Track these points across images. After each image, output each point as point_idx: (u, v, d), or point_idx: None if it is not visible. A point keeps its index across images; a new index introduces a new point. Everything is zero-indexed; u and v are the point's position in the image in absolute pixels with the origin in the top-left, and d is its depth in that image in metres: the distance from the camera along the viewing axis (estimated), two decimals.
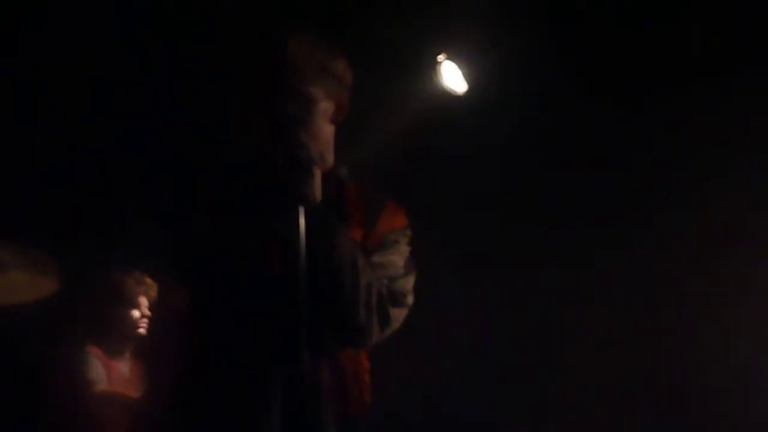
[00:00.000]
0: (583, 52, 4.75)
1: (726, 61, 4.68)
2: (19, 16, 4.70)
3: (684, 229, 5.00)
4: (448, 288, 4.66)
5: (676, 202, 5.02)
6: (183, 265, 2.38)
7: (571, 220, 5.14)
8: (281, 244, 2.24)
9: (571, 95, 4.84)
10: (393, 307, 2.40)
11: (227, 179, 2.40)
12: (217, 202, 2.35)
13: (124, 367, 4.21)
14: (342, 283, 2.27)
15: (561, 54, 4.75)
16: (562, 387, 5.10)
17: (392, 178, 4.33)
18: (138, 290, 4.25)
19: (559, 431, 5.15)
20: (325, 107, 2.44)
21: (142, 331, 4.23)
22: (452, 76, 5.04)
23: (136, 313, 4.23)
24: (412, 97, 4.99)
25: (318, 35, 2.46)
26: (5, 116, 4.77)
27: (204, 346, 2.33)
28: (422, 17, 4.66)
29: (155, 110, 4.90)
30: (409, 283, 2.48)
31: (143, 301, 4.26)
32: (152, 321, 4.24)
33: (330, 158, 2.46)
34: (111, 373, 4.11)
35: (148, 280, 4.28)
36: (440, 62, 5.00)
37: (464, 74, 5.03)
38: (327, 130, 2.46)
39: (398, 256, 2.48)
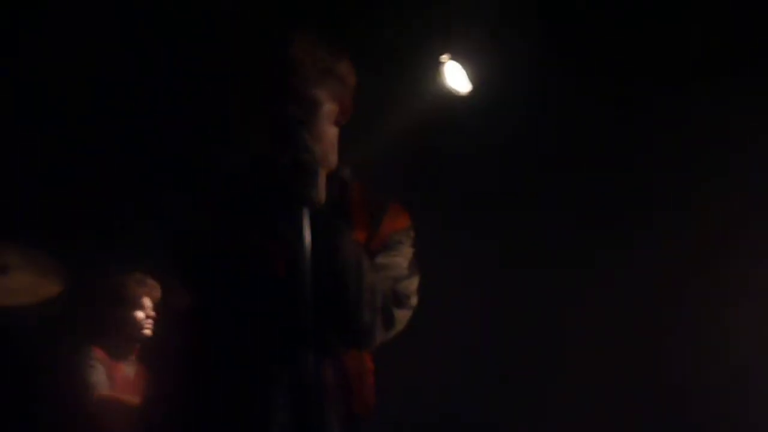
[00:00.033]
0: (585, 53, 4.76)
1: (726, 61, 4.68)
2: (19, 16, 4.69)
3: (684, 229, 5.01)
4: (451, 289, 4.67)
5: (676, 202, 5.03)
6: (187, 267, 2.37)
7: (573, 220, 5.15)
8: (285, 246, 2.23)
9: (574, 95, 4.84)
10: (397, 308, 2.40)
11: (231, 181, 2.41)
12: (221, 203, 2.35)
13: (128, 369, 4.21)
14: (346, 285, 2.26)
15: (563, 54, 4.75)
16: (563, 387, 5.11)
17: (396, 178, 4.34)
18: (140, 291, 4.24)
19: (560, 431, 5.15)
20: (328, 109, 2.44)
21: (146, 332, 4.22)
22: (455, 77, 5.04)
23: (139, 314, 4.23)
24: (416, 97, 5.00)
25: (321, 37, 2.45)
26: (5, 116, 4.77)
27: (207, 347, 2.33)
28: (425, 18, 4.67)
29: (157, 111, 4.90)
30: (412, 284, 2.48)
31: (147, 302, 4.25)
32: (157, 322, 4.24)
33: (333, 160, 2.46)
34: (115, 376, 4.10)
35: (151, 281, 4.28)
36: (443, 62, 5.01)
37: (468, 74, 5.03)
38: (330, 132, 2.46)
39: (402, 258, 2.48)
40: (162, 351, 3.64)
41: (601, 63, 4.76)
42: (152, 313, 4.25)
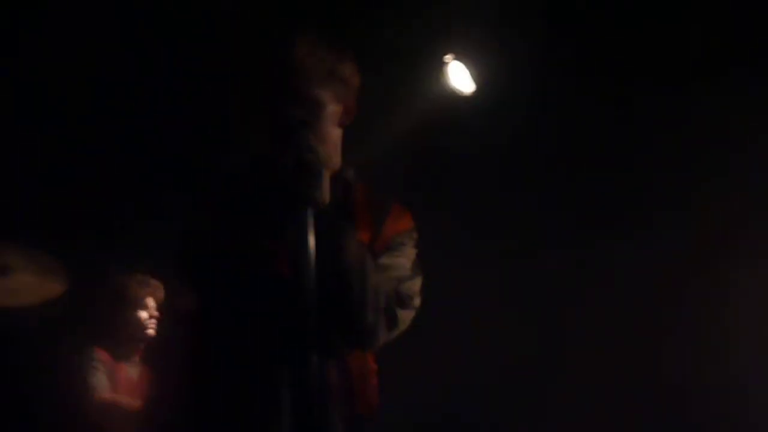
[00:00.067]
0: (588, 53, 4.76)
1: (726, 61, 4.69)
2: (19, 16, 4.69)
3: (684, 229, 5.01)
4: (454, 289, 4.67)
5: (676, 202, 5.03)
6: (190, 268, 2.38)
7: (574, 220, 5.15)
8: (289, 247, 2.23)
9: (576, 95, 4.84)
10: (400, 308, 2.41)
11: (234, 181, 2.41)
12: (225, 204, 2.35)
13: (131, 370, 4.20)
14: (350, 285, 2.27)
15: (567, 54, 4.75)
16: (564, 387, 5.11)
17: (399, 178, 4.34)
18: (143, 292, 4.24)
19: (561, 431, 5.16)
20: (332, 110, 2.44)
21: (149, 332, 4.22)
22: (459, 77, 5.03)
23: (142, 314, 4.22)
24: (419, 97, 4.99)
25: (325, 38, 2.45)
26: (5, 116, 4.77)
27: (211, 348, 2.33)
28: (429, 18, 4.66)
29: (158, 111, 4.90)
30: (415, 285, 2.48)
31: (150, 303, 4.25)
32: (160, 322, 4.24)
33: (337, 161, 2.46)
34: (117, 377, 4.10)
35: (154, 282, 4.28)
36: (447, 63, 5.00)
37: (471, 74, 5.02)
38: (334, 133, 2.47)
39: (405, 259, 2.48)
40: (165, 352, 3.64)
41: (604, 63, 4.77)
42: (155, 314, 4.25)
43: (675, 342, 5.06)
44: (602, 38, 4.72)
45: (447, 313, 4.46)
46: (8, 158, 4.83)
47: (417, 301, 2.48)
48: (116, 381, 4.08)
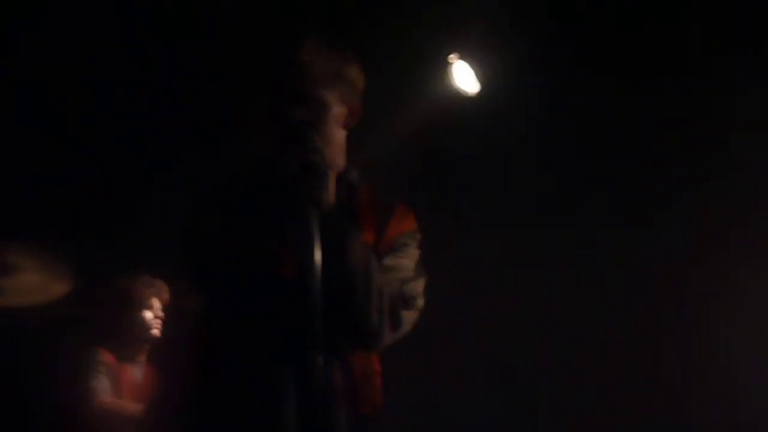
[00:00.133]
0: (593, 52, 4.76)
1: (726, 62, 4.69)
2: (19, 16, 4.69)
3: (684, 228, 5.02)
4: (457, 290, 4.67)
5: (676, 202, 5.03)
6: (196, 269, 2.39)
7: (576, 220, 5.15)
8: (294, 248, 2.24)
9: (580, 96, 4.84)
10: (404, 309, 2.42)
11: (240, 182, 2.41)
12: (230, 205, 2.35)
13: (136, 371, 4.20)
14: (355, 287, 2.28)
15: (572, 54, 4.75)
16: (564, 387, 5.11)
17: (403, 179, 4.34)
18: (148, 293, 4.24)
19: (563, 431, 5.16)
20: (337, 112, 2.45)
21: (154, 332, 4.22)
22: (464, 77, 5.00)
23: (147, 315, 4.22)
24: (423, 97, 4.97)
25: (331, 40, 2.46)
26: (8, 116, 4.77)
27: (216, 349, 2.34)
28: (433, 18, 4.65)
29: (163, 111, 4.90)
30: (419, 285, 2.49)
31: (155, 303, 4.25)
32: (165, 323, 4.24)
33: (341, 162, 2.47)
34: (120, 379, 4.09)
35: (159, 283, 4.27)
36: (451, 63, 4.98)
37: (476, 74, 5.00)
38: (339, 135, 2.47)
39: (408, 260, 2.49)
40: (170, 352, 3.65)
41: (607, 63, 4.77)
42: (160, 314, 4.25)
43: (675, 342, 5.05)
44: (606, 38, 4.72)
45: (450, 314, 4.45)
46: (12, 158, 4.84)
47: (420, 302, 2.49)
48: (120, 383, 4.08)
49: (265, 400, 2.27)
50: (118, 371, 4.11)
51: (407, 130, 4.92)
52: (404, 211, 2.55)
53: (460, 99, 5.03)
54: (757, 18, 4.61)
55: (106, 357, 4.09)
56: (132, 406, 4.00)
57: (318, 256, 2.19)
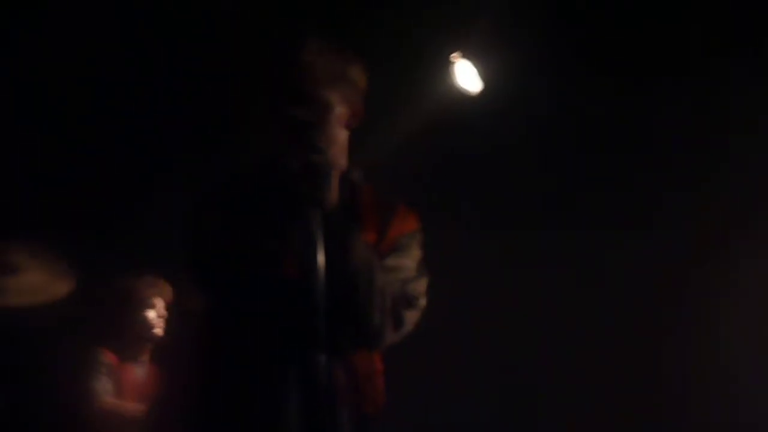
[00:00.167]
0: (596, 51, 4.76)
1: (726, 62, 4.70)
2: (19, 16, 4.70)
3: (684, 228, 5.02)
4: (459, 289, 4.67)
5: (676, 202, 5.04)
6: (199, 269, 2.39)
7: (577, 220, 5.15)
8: (297, 248, 2.24)
9: (583, 95, 4.85)
10: (406, 309, 2.42)
11: (243, 182, 2.41)
12: (234, 206, 2.35)
13: (138, 370, 4.19)
14: (357, 287, 2.28)
15: (575, 52, 4.75)
16: (565, 387, 5.12)
17: (405, 179, 4.34)
18: (151, 292, 4.23)
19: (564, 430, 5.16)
20: (340, 112, 2.45)
21: (157, 331, 4.21)
22: (466, 76, 4.97)
23: (150, 314, 4.22)
24: (425, 96, 4.96)
25: (333, 40, 2.46)
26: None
27: (219, 348, 2.35)
28: (435, 16, 4.64)
29: (168, 113, 4.90)
30: (421, 285, 2.50)
31: (158, 303, 4.25)
32: (168, 323, 4.24)
33: (344, 162, 2.47)
34: (123, 379, 4.09)
35: (162, 282, 4.27)
36: (454, 61, 4.95)
37: (479, 73, 4.96)
38: (341, 135, 2.48)
39: (410, 260, 2.49)
40: (174, 352, 3.65)
41: (610, 62, 4.77)
42: (163, 313, 4.24)
43: (675, 342, 5.06)
44: (609, 37, 4.73)
45: (452, 314, 4.46)
46: (12, 158, 4.84)
47: (422, 302, 2.49)
48: (122, 383, 4.08)
49: (268, 399, 2.27)
50: (120, 371, 4.10)
51: (409, 129, 4.91)
52: (406, 211, 2.56)
53: (463, 98, 5.01)
54: (757, 18, 4.61)
55: (108, 357, 4.09)
56: (133, 406, 4.00)
57: (320, 256, 2.20)
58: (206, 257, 2.34)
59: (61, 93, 4.85)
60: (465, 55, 4.95)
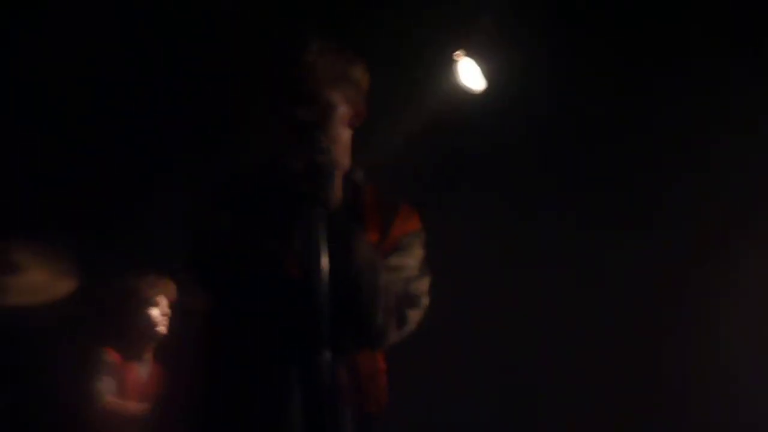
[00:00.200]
0: (599, 50, 4.76)
1: (726, 61, 4.70)
2: (19, 16, 4.69)
3: (684, 228, 5.02)
4: (462, 288, 4.67)
5: (676, 202, 5.04)
6: (202, 268, 2.39)
7: (578, 220, 5.16)
8: (300, 248, 2.24)
9: (586, 94, 4.85)
10: (409, 308, 2.43)
11: (247, 182, 2.41)
12: (237, 205, 2.35)
13: (141, 370, 4.19)
14: (361, 286, 2.28)
15: (578, 51, 4.75)
16: (566, 387, 5.12)
17: (408, 178, 4.34)
18: (154, 291, 4.23)
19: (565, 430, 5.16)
20: (343, 112, 2.46)
21: (160, 329, 4.21)
22: (469, 74, 4.94)
23: (154, 312, 4.21)
24: (429, 95, 4.94)
25: (335, 40, 2.47)
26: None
27: (222, 348, 2.35)
28: (439, 14, 4.64)
29: (168, 113, 4.90)
30: (424, 285, 2.50)
31: (162, 301, 4.24)
32: (171, 322, 4.23)
33: (346, 162, 2.48)
34: (126, 378, 4.09)
35: (165, 282, 4.27)
36: (457, 60, 4.92)
37: (482, 71, 4.93)
38: (344, 135, 2.48)
39: (413, 259, 2.50)
40: (177, 351, 3.65)
41: (613, 62, 4.77)
42: (167, 311, 4.24)
43: (675, 342, 5.06)
44: (612, 36, 4.73)
45: (455, 313, 4.46)
46: (14, 158, 4.84)
47: (425, 301, 2.50)
48: (125, 382, 4.07)
49: (271, 399, 2.27)
50: (123, 370, 4.10)
51: (412, 129, 4.90)
52: (409, 211, 2.56)
53: (466, 97, 4.99)
54: (757, 18, 4.61)
55: (112, 356, 4.09)
56: (136, 406, 4.00)
57: (324, 255, 2.19)
58: (211, 257, 2.34)
59: (61, 93, 4.84)
60: (468, 54, 4.92)
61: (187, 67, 4.77)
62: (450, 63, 4.96)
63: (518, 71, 4.86)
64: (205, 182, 2.56)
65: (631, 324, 5.12)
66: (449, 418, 5.14)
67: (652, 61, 4.78)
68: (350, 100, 2.47)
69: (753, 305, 4.94)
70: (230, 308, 2.35)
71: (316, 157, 2.22)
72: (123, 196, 5.05)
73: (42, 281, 4.25)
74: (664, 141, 5.01)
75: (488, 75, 4.96)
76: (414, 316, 2.45)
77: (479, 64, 4.94)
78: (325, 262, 2.19)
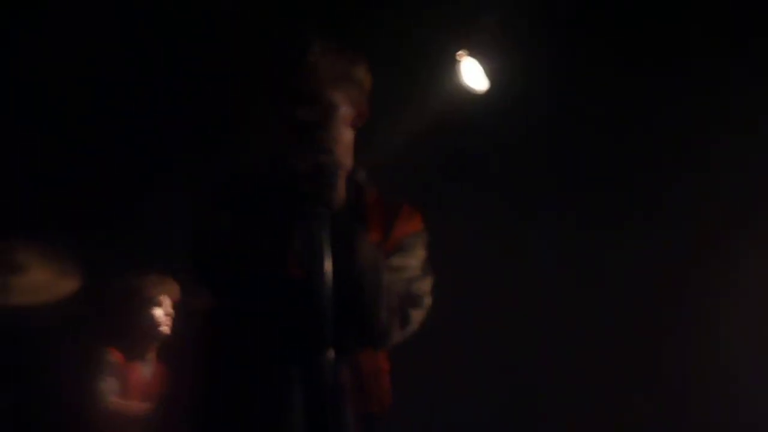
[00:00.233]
0: (601, 51, 4.77)
1: (726, 61, 4.71)
2: (19, 16, 4.69)
3: (684, 228, 5.03)
4: (464, 288, 4.67)
5: (676, 202, 5.04)
6: (205, 268, 2.39)
7: (578, 219, 5.16)
8: (303, 248, 2.25)
9: (589, 93, 4.85)
10: (412, 308, 2.43)
11: (250, 182, 2.41)
12: (240, 205, 2.35)
13: (145, 369, 4.19)
14: (363, 286, 2.29)
15: (582, 51, 4.76)
16: (567, 387, 5.12)
17: (411, 178, 4.34)
18: (157, 290, 4.23)
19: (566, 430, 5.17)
20: (345, 112, 2.46)
21: (164, 329, 4.20)
22: (472, 74, 4.93)
23: (157, 312, 4.21)
24: (432, 95, 4.93)
25: (337, 40, 2.47)
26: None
27: (225, 348, 2.35)
28: (441, 14, 4.63)
29: (168, 113, 4.90)
30: (426, 284, 2.50)
31: (165, 301, 4.24)
32: (175, 321, 4.23)
33: (349, 162, 2.48)
34: (129, 378, 4.08)
35: (169, 281, 4.26)
36: (460, 59, 4.91)
37: (485, 71, 4.92)
38: (347, 135, 2.48)
39: (415, 260, 2.50)
40: (181, 351, 3.65)
41: (615, 62, 4.77)
42: (170, 311, 4.24)
43: (675, 342, 5.06)
44: (613, 36, 4.73)
45: (457, 313, 4.46)
46: (15, 158, 4.83)
47: (428, 301, 2.50)
48: (128, 382, 4.07)
49: (274, 399, 2.28)
50: (126, 370, 4.09)
51: (415, 129, 4.89)
52: (411, 211, 2.56)
53: (469, 97, 4.98)
54: (757, 18, 4.62)
55: (115, 356, 4.08)
56: (139, 406, 4.00)
57: (327, 256, 2.20)
58: (213, 257, 2.34)
59: (61, 93, 4.84)
60: (471, 54, 4.90)
61: (188, 68, 4.77)
62: (453, 63, 4.94)
63: (520, 71, 4.86)
64: (206, 182, 2.55)
65: (631, 324, 5.13)
66: (452, 417, 5.14)
67: (653, 61, 4.78)
68: (353, 101, 2.47)
69: (753, 305, 4.94)
70: (231, 308, 2.35)
71: (318, 157, 2.22)
72: (124, 196, 5.05)
73: (44, 281, 4.25)
74: (664, 141, 5.02)
75: (491, 75, 4.94)
76: (416, 316, 2.45)
77: (482, 64, 4.92)
78: (327, 262, 2.20)
